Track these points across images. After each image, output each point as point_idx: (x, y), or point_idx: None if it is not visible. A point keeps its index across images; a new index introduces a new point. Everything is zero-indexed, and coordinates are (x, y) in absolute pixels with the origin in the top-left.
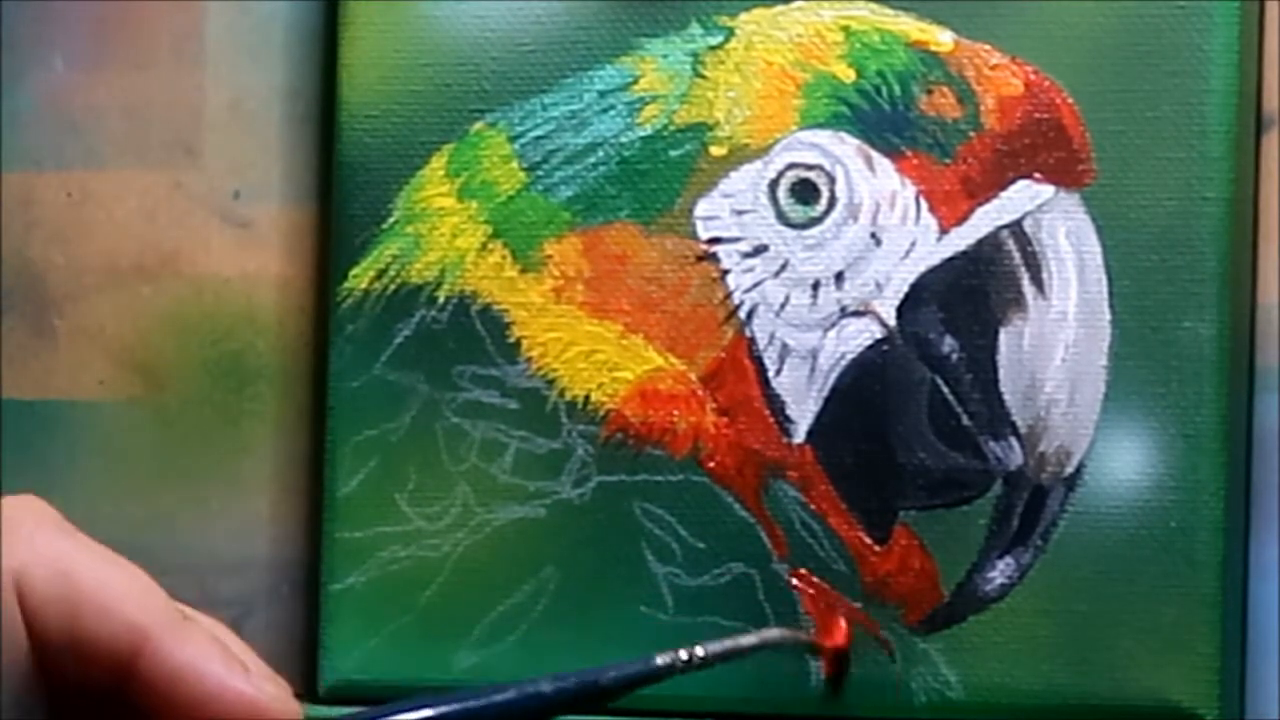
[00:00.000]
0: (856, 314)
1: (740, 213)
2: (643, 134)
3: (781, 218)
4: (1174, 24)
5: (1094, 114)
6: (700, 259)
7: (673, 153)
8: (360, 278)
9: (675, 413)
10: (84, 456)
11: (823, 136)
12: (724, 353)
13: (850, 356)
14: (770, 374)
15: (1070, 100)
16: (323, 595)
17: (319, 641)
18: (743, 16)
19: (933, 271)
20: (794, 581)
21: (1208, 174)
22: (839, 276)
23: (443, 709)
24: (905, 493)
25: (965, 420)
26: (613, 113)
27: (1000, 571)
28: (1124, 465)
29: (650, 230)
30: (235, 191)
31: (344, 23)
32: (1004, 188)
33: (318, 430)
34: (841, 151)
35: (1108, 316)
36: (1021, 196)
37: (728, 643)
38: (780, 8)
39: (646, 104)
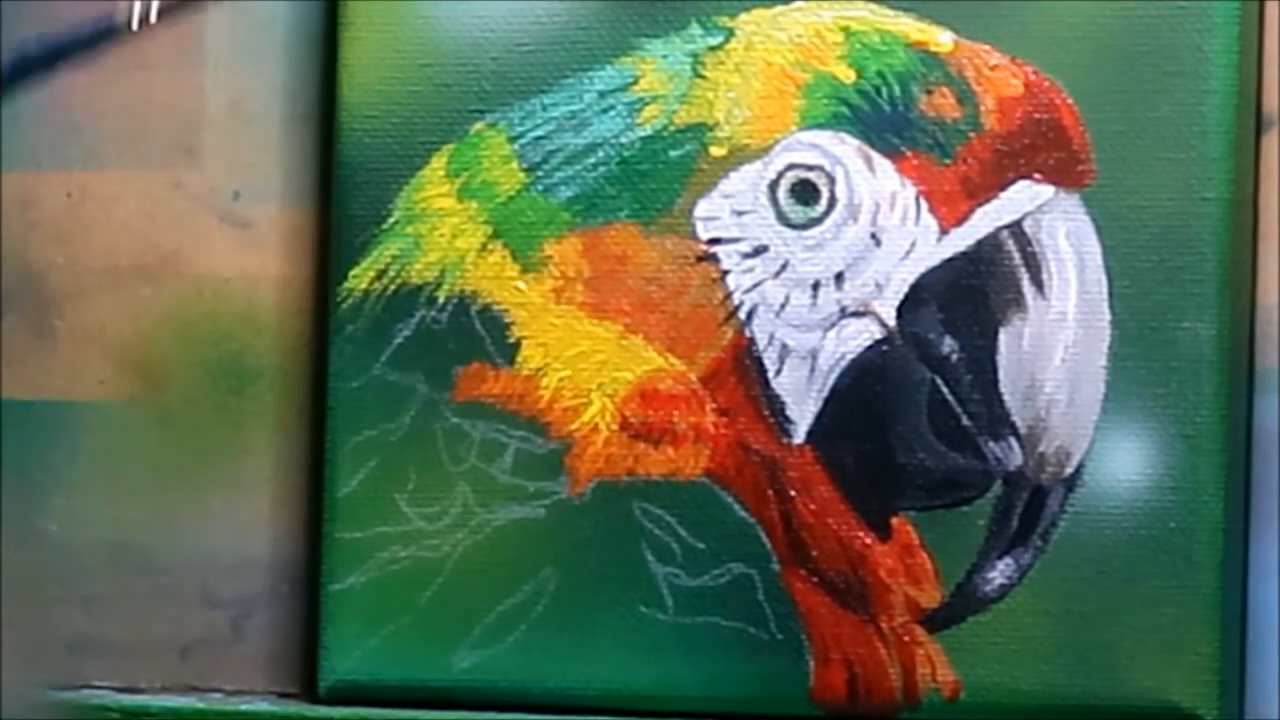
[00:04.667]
0: (856, 314)
1: (740, 213)
2: (643, 134)
3: (781, 218)
4: (1174, 25)
5: (1094, 114)
6: (700, 259)
7: (673, 153)
8: (360, 278)
9: (675, 413)
10: (84, 456)
11: (823, 137)
12: (724, 353)
13: (850, 357)
14: (770, 374)
15: (1070, 101)
16: (323, 595)
17: (319, 641)
18: (743, 17)
19: (933, 272)
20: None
21: (1207, 174)
22: (839, 277)
23: None
24: (905, 493)
25: (965, 420)
26: (613, 113)
27: (1000, 572)
28: (1124, 466)
29: (650, 231)
30: (235, 192)
31: (344, 23)
32: (1004, 188)
33: (318, 430)
34: (841, 152)
35: (1107, 317)
36: (1021, 197)
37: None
38: (780, 8)
39: (646, 104)
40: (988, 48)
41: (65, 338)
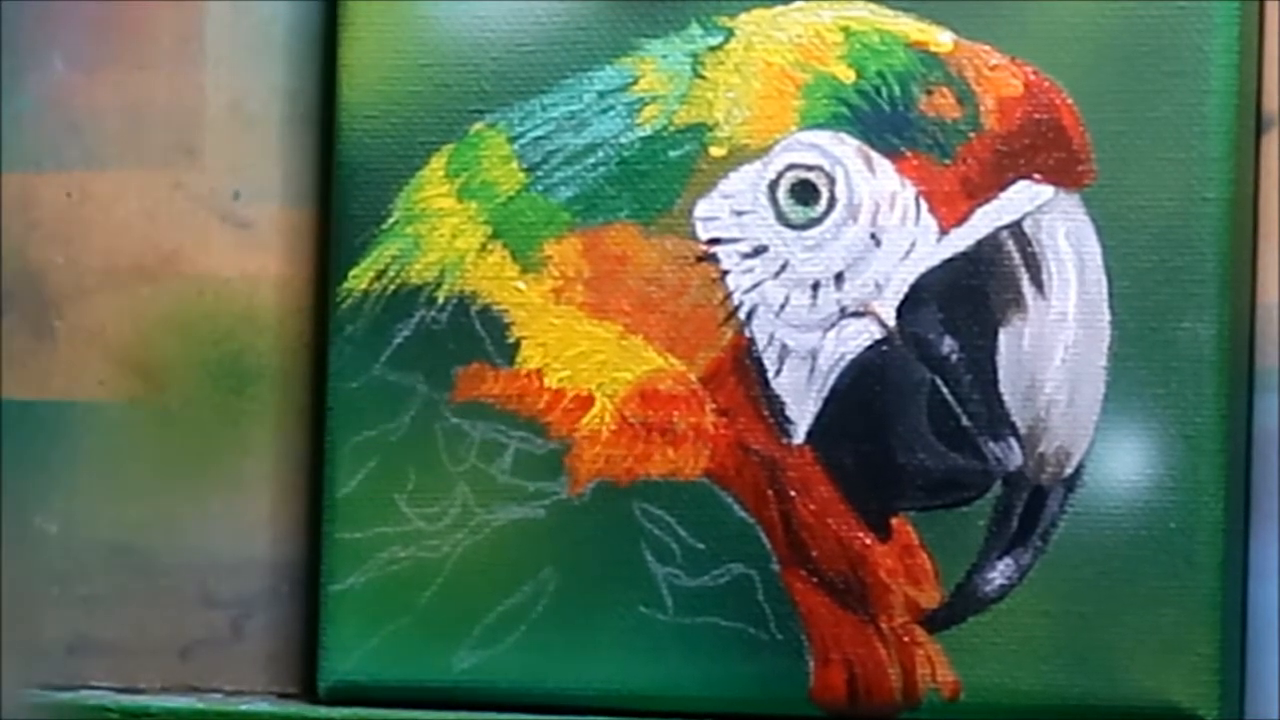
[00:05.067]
0: (856, 315)
1: (740, 213)
2: (642, 134)
3: (781, 218)
4: (1174, 24)
5: (1094, 114)
6: (700, 259)
7: (672, 153)
8: (360, 278)
9: (675, 413)
10: (84, 456)
11: (822, 137)
12: (724, 353)
13: (850, 357)
14: (770, 375)
15: (1070, 101)
16: (323, 596)
17: (319, 642)
18: (742, 17)
19: (932, 272)
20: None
21: (1208, 174)
22: (839, 277)
23: None
24: (905, 493)
25: (965, 421)
26: (612, 113)
27: (1000, 572)
28: (1124, 466)
29: (650, 231)
30: (235, 192)
31: (344, 23)
32: (1004, 188)
33: (317, 431)
34: (841, 152)
35: (1107, 317)
36: (1021, 197)
37: None
38: (780, 8)
39: (646, 104)
40: (987, 48)
41: (65, 338)
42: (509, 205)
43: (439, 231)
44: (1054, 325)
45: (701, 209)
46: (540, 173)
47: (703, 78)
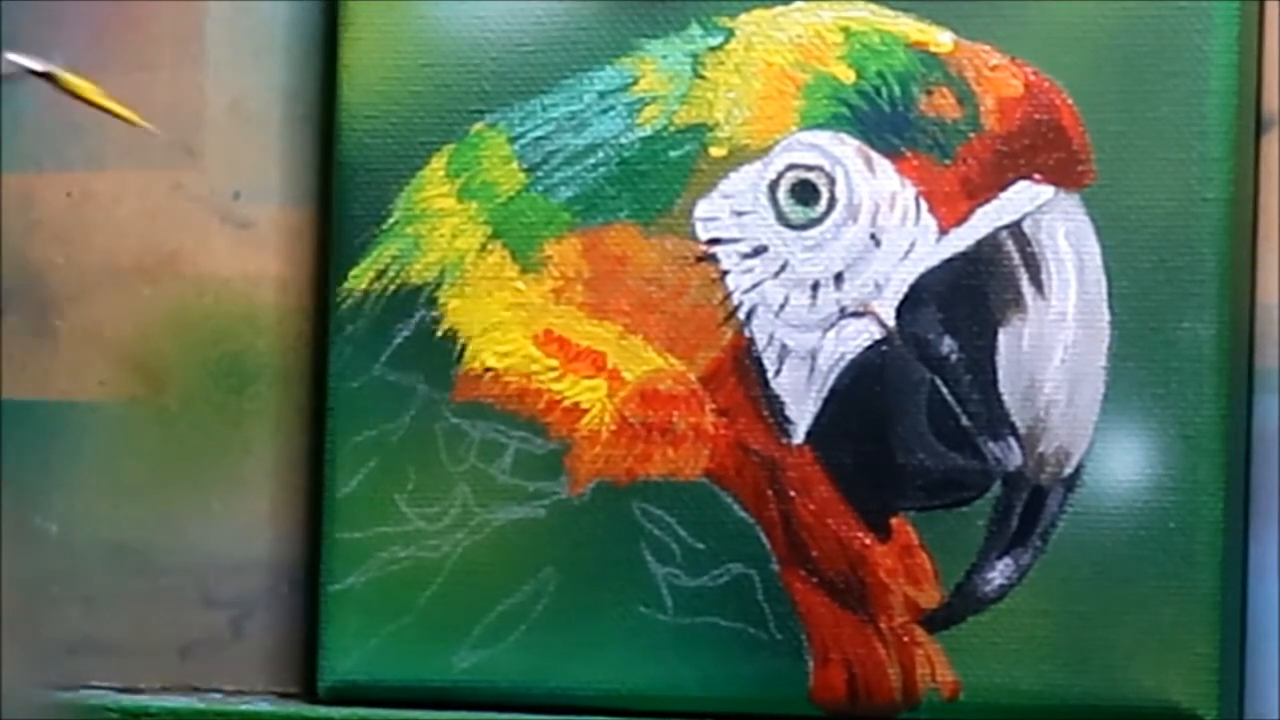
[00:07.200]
0: (856, 315)
1: (740, 213)
2: (642, 135)
3: (781, 218)
4: (1174, 25)
5: (1094, 115)
6: (700, 260)
7: (672, 153)
8: (360, 278)
9: (675, 413)
10: (84, 456)
11: (823, 137)
12: (723, 353)
13: (849, 357)
14: (769, 375)
15: (1070, 101)
16: (323, 595)
17: (319, 641)
18: (742, 17)
19: (932, 272)
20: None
21: (1207, 174)
22: (838, 277)
23: None
24: (905, 493)
25: (964, 421)
26: (613, 113)
27: (999, 572)
28: (1123, 466)
29: (650, 231)
30: (235, 192)
31: (344, 24)
32: (1003, 188)
33: (318, 430)
34: (841, 152)
35: (1107, 317)
36: (1021, 197)
37: None
38: (780, 9)
39: (646, 105)
40: (988, 48)
41: (65, 338)
42: (509, 205)
43: (439, 231)
44: (1054, 325)
45: (701, 209)
46: (540, 173)
47: (703, 78)
